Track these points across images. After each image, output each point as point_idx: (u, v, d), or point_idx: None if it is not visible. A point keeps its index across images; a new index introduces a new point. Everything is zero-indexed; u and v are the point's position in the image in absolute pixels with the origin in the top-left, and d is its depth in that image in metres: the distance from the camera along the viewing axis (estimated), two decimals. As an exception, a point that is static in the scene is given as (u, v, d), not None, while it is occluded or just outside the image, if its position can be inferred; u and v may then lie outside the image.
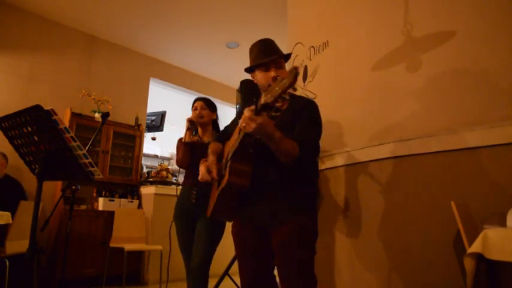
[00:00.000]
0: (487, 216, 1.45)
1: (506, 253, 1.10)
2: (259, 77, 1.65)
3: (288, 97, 1.27)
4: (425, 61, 1.84)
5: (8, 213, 2.93)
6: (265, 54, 1.63)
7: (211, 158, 1.71)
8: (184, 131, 2.41)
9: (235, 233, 1.68)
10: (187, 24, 4.64)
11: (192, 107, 2.47)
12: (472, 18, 1.71)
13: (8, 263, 2.83)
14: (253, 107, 1.31)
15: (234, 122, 1.82)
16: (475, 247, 1.17)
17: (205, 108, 2.43)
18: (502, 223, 1.30)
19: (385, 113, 1.98)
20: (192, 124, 2.39)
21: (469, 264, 1.21)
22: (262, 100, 1.26)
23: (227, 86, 6.47)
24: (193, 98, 2.69)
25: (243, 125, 1.30)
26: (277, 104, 1.28)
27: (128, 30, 4.82)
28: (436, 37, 1.81)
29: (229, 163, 1.50)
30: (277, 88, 1.23)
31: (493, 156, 1.50)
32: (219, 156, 1.73)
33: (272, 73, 1.59)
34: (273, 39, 1.84)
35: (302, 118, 1.53)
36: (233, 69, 5.85)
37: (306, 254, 1.46)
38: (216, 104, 2.59)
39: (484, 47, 1.65)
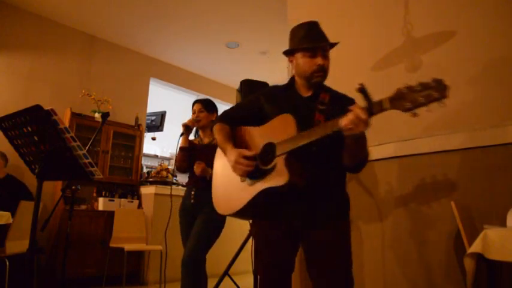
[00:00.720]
0: (487, 216, 1.45)
1: (506, 253, 1.10)
2: (302, 62, 1.46)
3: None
4: (425, 61, 1.84)
5: (8, 213, 2.93)
6: (314, 38, 1.46)
7: (230, 145, 1.47)
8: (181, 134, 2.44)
9: (262, 236, 1.52)
10: (187, 24, 4.64)
11: (192, 109, 2.50)
12: (472, 18, 1.71)
13: (8, 263, 2.83)
14: (360, 106, 1.19)
15: (253, 105, 1.57)
16: (475, 247, 1.17)
17: (203, 110, 2.45)
18: (502, 223, 1.30)
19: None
20: (187, 129, 2.41)
21: (469, 264, 1.21)
22: (388, 104, 1.16)
23: (227, 86, 6.47)
24: (193, 98, 2.70)
25: (350, 126, 1.17)
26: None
27: (128, 30, 4.82)
28: (436, 37, 1.81)
29: (287, 160, 1.30)
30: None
31: (493, 156, 1.50)
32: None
33: (319, 60, 1.44)
34: (273, 38, 1.80)
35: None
36: (233, 69, 5.85)
37: (348, 259, 1.39)
38: (216, 103, 2.60)
39: (484, 47, 1.65)
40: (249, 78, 2.78)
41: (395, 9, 1.99)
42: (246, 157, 1.37)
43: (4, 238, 2.93)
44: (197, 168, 2.31)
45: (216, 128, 1.57)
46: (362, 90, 1.25)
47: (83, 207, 4.27)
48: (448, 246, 1.54)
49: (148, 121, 5.68)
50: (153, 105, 5.68)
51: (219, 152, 1.62)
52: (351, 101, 1.45)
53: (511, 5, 1.63)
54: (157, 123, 5.76)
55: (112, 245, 3.77)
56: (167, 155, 6.48)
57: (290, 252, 1.47)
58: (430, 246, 1.63)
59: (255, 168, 1.37)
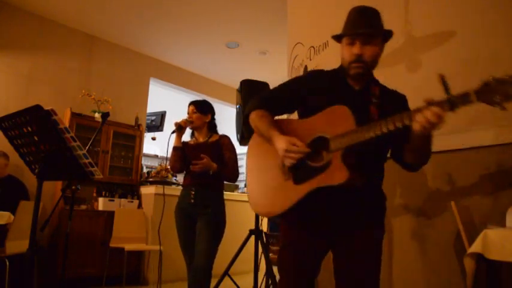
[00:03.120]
0: (487, 216, 1.45)
1: (506, 253, 1.10)
2: (344, 50, 1.34)
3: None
4: (425, 61, 1.84)
5: (8, 213, 2.93)
6: (356, 24, 1.31)
7: (277, 132, 1.28)
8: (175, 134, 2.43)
9: (290, 243, 1.39)
10: (188, 24, 4.64)
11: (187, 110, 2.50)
12: (472, 18, 1.71)
13: (8, 263, 2.83)
14: (437, 102, 1.08)
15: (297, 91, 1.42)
16: (475, 247, 1.17)
17: (196, 112, 2.44)
18: (502, 223, 1.30)
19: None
20: (179, 128, 2.40)
21: (469, 264, 1.21)
22: (475, 97, 1.06)
23: (227, 86, 6.47)
24: (193, 98, 2.70)
25: (425, 124, 1.06)
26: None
27: (128, 30, 4.82)
28: (436, 37, 1.81)
29: (344, 156, 1.19)
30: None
31: (493, 156, 1.50)
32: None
33: (355, 49, 1.28)
34: (273, 38, 1.77)
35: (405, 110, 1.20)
36: (233, 69, 5.85)
37: (378, 270, 1.30)
38: (216, 104, 2.59)
39: (483, 47, 1.65)
40: (249, 78, 2.79)
41: (395, 9, 1.99)
42: (296, 145, 1.21)
43: (4, 238, 2.93)
44: (195, 166, 2.25)
45: (257, 114, 1.36)
46: (443, 82, 1.13)
47: (83, 207, 4.27)
48: (448, 246, 1.54)
49: (148, 121, 5.68)
50: (153, 105, 5.68)
51: (252, 149, 1.47)
52: (402, 98, 1.37)
53: (511, 5, 1.63)
54: (157, 123, 5.76)
55: (112, 245, 3.77)
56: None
57: (317, 256, 1.36)
58: (430, 246, 1.63)
59: (301, 163, 1.24)
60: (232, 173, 2.36)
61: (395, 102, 1.32)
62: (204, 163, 2.23)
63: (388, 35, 1.32)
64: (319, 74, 1.45)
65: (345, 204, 1.27)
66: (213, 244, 2.23)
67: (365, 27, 1.28)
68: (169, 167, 2.54)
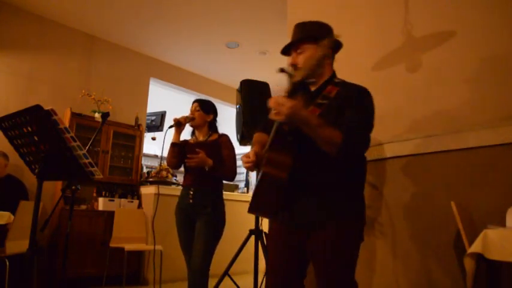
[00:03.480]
0: (487, 216, 1.45)
1: (506, 253, 1.10)
2: None
3: (313, 79, 1.32)
4: (425, 61, 1.84)
5: (8, 213, 2.93)
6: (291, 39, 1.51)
7: (254, 148, 1.52)
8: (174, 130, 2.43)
9: (270, 238, 1.54)
10: (187, 24, 4.64)
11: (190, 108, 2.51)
12: (472, 18, 1.71)
13: (8, 263, 2.83)
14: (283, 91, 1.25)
15: None
16: (475, 247, 1.17)
17: (199, 109, 2.45)
18: (502, 223, 1.30)
19: (385, 113, 1.98)
20: (178, 124, 2.40)
21: (469, 264, 1.21)
22: (293, 79, 1.23)
23: (227, 86, 6.47)
24: (193, 98, 2.70)
25: (274, 111, 1.22)
26: (310, 80, 1.27)
27: (128, 30, 4.82)
28: (436, 37, 1.81)
29: (266, 153, 1.36)
30: (306, 65, 1.26)
31: (493, 156, 1.50)
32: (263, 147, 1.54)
33: (289, 60, 1.49)
34: (273, 38, 1.80)
35: (351, 106, 1.35)
36: (233, 69, 5.85)
37: (348, 261, 1.33)
38: (216, 104, 2.59)
39: (483, 47, 1.65)
40: (249, 78, 2.78)
41: (395, 9, 1.99)
42: (248, 156, 1.45)
43: (4, 238, 2.93)
44: (190, 160, 2.24)
45: (254, 136, 1.64)
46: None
47: (83, 207, 4.27)
48: (448, 246, 1.54)
49: (148, 121, 5.68)
50: (153, 105, 5.68)
51: None
52: (356, 92, 1.42)
53: (511, 5, 1.63)
54: (157, 123, 5.76)
55: (112, 245, 3.77)
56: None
57: (295, 252, 1.41)
58: (430, 246, 1.63)
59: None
60: (230, 171, 2.35)
61: (348, 99, 1.40)
62: (200, 158, 2.23)
63: (320, 37, 1.43)
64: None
65: (306, 203, 1.37)
66: (210, 244, 2.23)
67: (295, 38, 1.47)
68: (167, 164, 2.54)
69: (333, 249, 1.31)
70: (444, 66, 1.76)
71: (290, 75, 1.32)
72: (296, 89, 1.31)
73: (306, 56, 1.45)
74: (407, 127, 1.85)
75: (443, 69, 1.76)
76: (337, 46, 1.53)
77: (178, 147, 2.42)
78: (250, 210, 1.46)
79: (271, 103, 1.24)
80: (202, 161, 2.25)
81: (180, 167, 2.48)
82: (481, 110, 1.61)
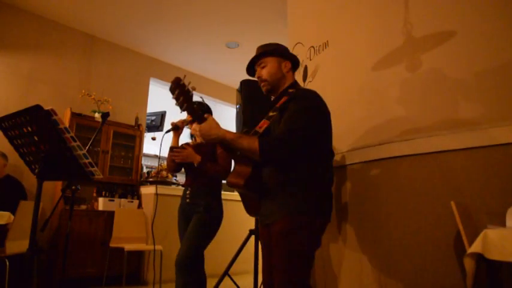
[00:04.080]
0: (487, 216, 1.45)
1: (506, 253, 1.10)
2: None
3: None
4: (425, 61, 1.84)
5: (8, 213, 2.93)
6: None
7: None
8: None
9: (259, 235, 1.70)
10: (187, 24, 4.64)
11: None
12: (472, 18, 1.71)
13: (8, 263, 2.83)
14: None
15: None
16: (475, 247, 1.17)
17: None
18: (503, 223, 1.30)
19: (385, 113, 1.98)
20: (175, 128, 2.42)
21: (469, 264, 1.21)
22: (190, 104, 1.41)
23: (227, 86, 6.46)
24: (193, 98, 2.69)
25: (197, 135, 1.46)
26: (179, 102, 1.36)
27: (128, 30, 4.82)
28: (436, 37, 1.81)
29: (235, 164, 1.56)
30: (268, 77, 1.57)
31: (494, 156, 1.50)
32: None
33: (255, 74, 1.69)
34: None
35: (287, 112, 1.48)
36: (233, 69, 5.85)
37: (293, 263, 1.37)
38: (215, 104, 2.60)
39: (483, 47, 1.65)
40: (249, 78, 2.78)
41: (395, 9, 1.99)
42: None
43: (4, 238, 2.93)
44: (176, 155, 2.30)
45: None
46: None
47: (83, 207, 4.27)
48: (448, 246, 1.54)
49: (148, 121, 5.68)
50: (153, 105, 5.68)
51: None
52: (295, 96, 1.53)
53: (511, 5, 1.63)
54: (157, 123, 5.76)
55: (112, 245, 3.77)
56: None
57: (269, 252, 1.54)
58: (430, 246, 1.63)
59: None
60: (224, 170, 2.35)
61: (288, 105, 1.52)
62: (185, 152, 2.26)
63: (275, 51, 1.64)
64: None
65: (266, 204, 1.53)
66: (196, 242, 2.25)
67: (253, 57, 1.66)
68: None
69: (277, 244, 1.41)
70: (444, 66, 1.76)
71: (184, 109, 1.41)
72: (195, 112, 1.42)
73: (268, 70, 1.63)
74: (408, 127, 1.85)
75: (443, 69, 1.76)
76: (296, 62, 1.72)
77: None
78: (248, 213, 1.70)
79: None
80: (188, 156, 2.28)
81: (179, 170, 2.52)
82: (482, 109, 1.61)
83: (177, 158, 2.29)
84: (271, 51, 1.64)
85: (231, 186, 1.52)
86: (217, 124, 1.42)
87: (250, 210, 1.69)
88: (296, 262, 1.38)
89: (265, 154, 1.38)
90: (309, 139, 1.43)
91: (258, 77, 1.65)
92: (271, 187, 1.51)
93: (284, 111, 1.49)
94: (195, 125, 1.42)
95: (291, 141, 1.39)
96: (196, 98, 2.73)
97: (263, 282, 1.60)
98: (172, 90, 1.34)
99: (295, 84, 1.67)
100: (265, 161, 1.41)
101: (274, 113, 1.55)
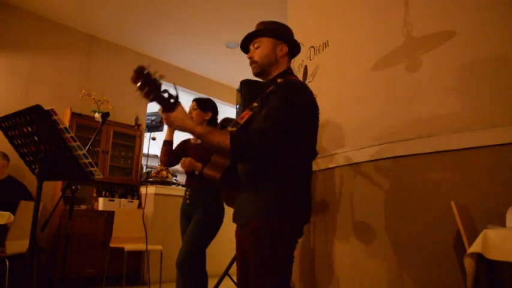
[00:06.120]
0: (487, 216, 1.45)
1: (506, 253, 1.10)
2: None
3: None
4: (425, 61, 1.84)
5: (8, 213, 2.93)
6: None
7: None
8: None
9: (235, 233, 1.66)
10: (187, 24, 4.64)
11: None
12: (472, 18, 1.71)
13: (8, 263, 2.83)
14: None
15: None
16: (475, 247, 1.17)
17: (196, 108, 2.45)
18: (502, 223, 1.30)
19: (385, 113, 1.98)
20: None
21: (469, 264, 1.21)
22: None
23: (227, 86, 6.46)
24: (193, 97, 2.70)
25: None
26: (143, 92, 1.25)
27: (128, 30, 4.82)
28: (436, 37, 1.81)
29: (213, 157, 1.50)
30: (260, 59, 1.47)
31: (493, 156, 1.50)
32: None
33: (247, 54, 1.55)
34: None
35: (267, 103, 1.35)
36: (233, 69, 5.85)
37: (266, 267, 1.28)
38: (216, 104, 2.59)
39: (483, 46, 1.65)
40: (249, 78, 2.78)
41: (395, 9, 1.99)
42: None
43: (4, 238, 2.93)
44: (183, 163, 2.34)
45: None
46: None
47: (83, 207, 4.27)
48: (448, 246, 1.54)
49: (148, 121, 5.67)
50: (153, 105, 5.66)
51: None
52: (275, 86, 1.41)
53: (511, 5, 1.63)
54: (157, 123, 5.75)
55: (112, 245, 3.77)
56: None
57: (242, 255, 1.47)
58: (430, 246, 1.63)
59: None
60: None
61: (268, 97, 1.40)
62: (187, 163, 2.30)
63: (272, 32, 1.50)
64: None
65: (238, 202, 1.47)
66: (196, 242, 2.26)
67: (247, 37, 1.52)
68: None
69: (250, 247, 1.34)
70: (444, 66, 1.76)
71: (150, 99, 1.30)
72: (165, 102, 1.33)
73: (262, 51, 1.49)
74: (408, 127, 1.85)
75: (443, 69, 1.76)
76: (295, 47, 1.56)
77: (169, 145, 2.43)
78: (227, 205, 1.66)
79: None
80: (190, 166, 2.30)
81: (173, 165, 2.53)
82: (482, 109, 1.61)
83: (184, 168, 2.36)
84: (268, 30, 1.50)
85: (208, 178, 1.46)
86: (185, 115, 1.32)
87: (231, 202, 1.58)
88: (270, 266, 1.28)
89: (237, 151, 1.27)
90: (283, 138, 1.31)
91: (250, 57, 1.51)
92: (244, 184, 1.43)
93: (264, 103, 1.37)
94: (163, 113, 1.34)
95: (262, 141, 1.27)
96: (197, 96, 2.74)
97: (237, 284, 1.48)
98: (134, 80, 1.21)
99: (287, 71, 1.51)
100: (235, 159, 1.32)
101: (257, 104, 1.47)
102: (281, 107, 1.31)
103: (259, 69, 1.49)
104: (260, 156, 1.32)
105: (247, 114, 1.45)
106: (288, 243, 1.33)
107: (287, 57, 1.53)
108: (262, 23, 1.54)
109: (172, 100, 1.32)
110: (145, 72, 1.21)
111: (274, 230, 1.29)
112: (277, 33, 1.50)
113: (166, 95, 1.32)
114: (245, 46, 1.56)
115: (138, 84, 1.21)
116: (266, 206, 1.33)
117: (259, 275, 1.28)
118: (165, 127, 2.42)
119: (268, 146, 1.29)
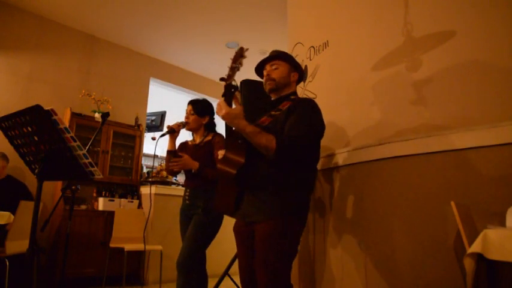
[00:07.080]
0: (487, 216, 1.45)
1: (506, 253, 1.10)
2: None
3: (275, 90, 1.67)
4: (425, 61, 1.84)
5: (8, 213, 2.93)
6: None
7: None
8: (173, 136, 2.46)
9: (235, 232, 1.71)
10: (188, 24, 4.64)
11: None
12: (472, 18, 1.71)
13: (8, 263, 2.83)
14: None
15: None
16: (475, 247, 1.17)
17: (193, 113, 2.44)
18: (503, 223, 1.30)
19: (385, 113, 1.98)
20: (171, 132, 2.40)
21: (469, 264, 1.21)
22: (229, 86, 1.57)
23: (227, 86, 6.46)
24: (193, 98, 2.70)
25: (217, 110, 1.53)
26: (231, 80, 1.53)
27: (128, 30, 4.82)
28: (436, 37, 1.81)
29: (226, 152, 1.61)
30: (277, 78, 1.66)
31: (494, 156, 1.50)
32: None
33: (264, 72, 1.79)
34: (273, 39, 1.95)
35: (293, 115, 1.57)
36: (233, 69, 5.84)
37: (278, 260, 1.47)
38: (215, 104, 2.59)
39: (483, 46, 1.65)
40: (249, 78, 2.78)
41: (395, 9, 1.99)
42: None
43: (4, 238, 2.93)
44: (173, 164, 2.29)
45: None
46: (239, 90, 1.75)
47: (83, 207, 4.27)
48: (448, 246, 1.54)
49: (148, 121, 5.68)
50: (153, 105, 5.68)
51: None
52: (301, 101, 1.67)
53: (511, 5, 1.63)
54: (157, 123, 5.76)
55: (112, 245, 3.77)
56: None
57: (251, 248, 1.59)
58: (430, 246, 1.63)
59: None
60: None
61: (291, 108, 1.62)
62: (182, 161, 2.26)
63: (290, 60, 1.79)
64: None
65: (248, 199, 1.61)
66: (196, 242, 2.26)
67: (268, 57, 1.80)
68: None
69: (264, 244, 1.49)
70: (444, 66, 1.76)
71: (227, 82, 1.55)
72: (230, 95, 1.55)
73: (280, 72, 1.74)
74: (408, 127, 1.85)
75: (443, 69, 1.76)
76: (302, 77, 1.86)
77: (172, 155, 2.43)
78: (214, 208, 1.74)
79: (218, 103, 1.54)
80: (185, 164, 2.27)
81: (178, 173, 2.53)
82: (482, 109, 1.61)
83: (175, 167, 2.28)
84: (287, 57, 1.78)
85: (220, 173, 1.57)
86: (242, 114, 1.52)
87: (220, 207, 1.72)
88: (283, 263, 1.48)
89: (281, 152, 1.47)
90: (314, 144, 1.62)
91: (267, 74, 1.74)
92: (264, 185, 1.56)
93: (290, 114, 1.58)
94: (222, 103, 1.51)
95: (305, 144, 1.53)
96: (196, 97, 2.75)
97: (241, 281, 1.64)
98: (236, 57, 1.58)
99: (295, 93, 1.81)
100: (278, 159, 1.48)
101: (277, 113, 1.65)
102: (310, 118, 1.59)
103: (275, 86, 1.73)
104: (300, 157, 1.56)
105: (267, 120, 1.66)
106: (299, 239, 1.59)
107: (295, 83, 1.82)
108: (277, 51, 1.83)
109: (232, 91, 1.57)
110: (243, 54, 1.59)
111: (293, 226, 1.54)
112: (293, 61, 1.80)
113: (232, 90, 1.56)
114: (260, 68, 1.84)
115: (237, 62, 1.60)
116: (289, 207, 1.54)
117: (279, 260, 1.46)
118: (165, 127, 2.41)
119: (306, 151, 1.57)
